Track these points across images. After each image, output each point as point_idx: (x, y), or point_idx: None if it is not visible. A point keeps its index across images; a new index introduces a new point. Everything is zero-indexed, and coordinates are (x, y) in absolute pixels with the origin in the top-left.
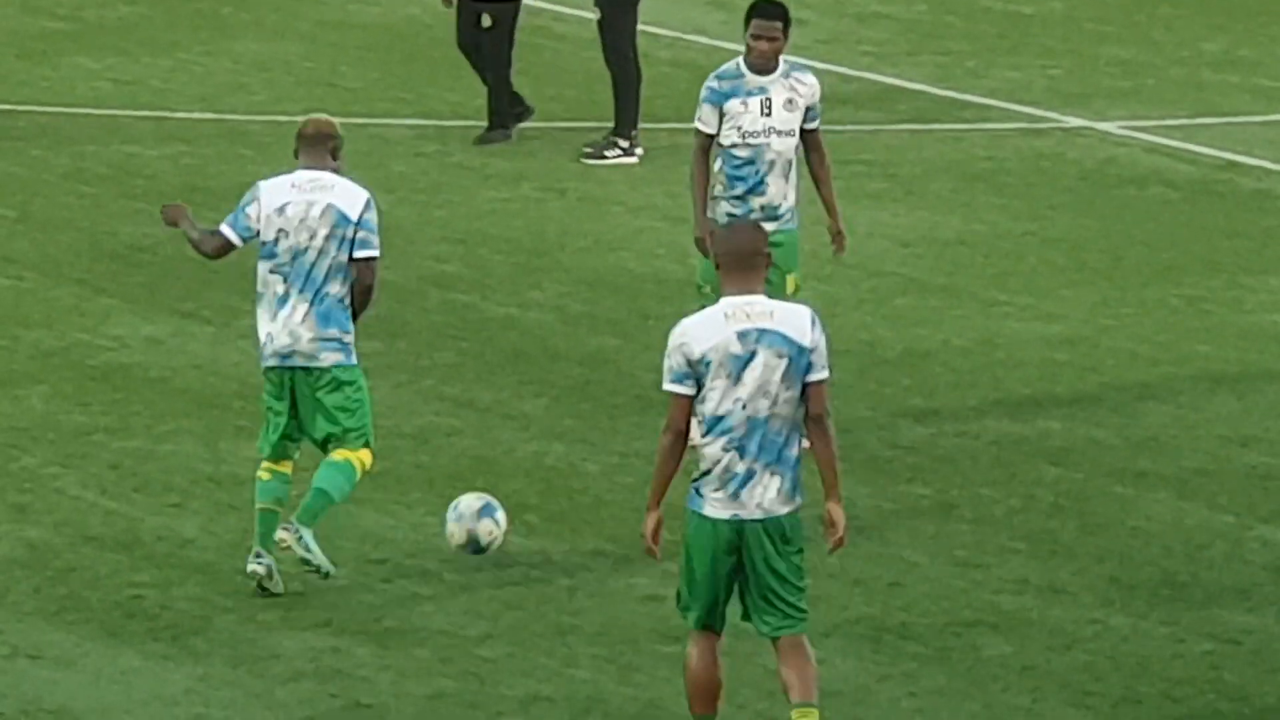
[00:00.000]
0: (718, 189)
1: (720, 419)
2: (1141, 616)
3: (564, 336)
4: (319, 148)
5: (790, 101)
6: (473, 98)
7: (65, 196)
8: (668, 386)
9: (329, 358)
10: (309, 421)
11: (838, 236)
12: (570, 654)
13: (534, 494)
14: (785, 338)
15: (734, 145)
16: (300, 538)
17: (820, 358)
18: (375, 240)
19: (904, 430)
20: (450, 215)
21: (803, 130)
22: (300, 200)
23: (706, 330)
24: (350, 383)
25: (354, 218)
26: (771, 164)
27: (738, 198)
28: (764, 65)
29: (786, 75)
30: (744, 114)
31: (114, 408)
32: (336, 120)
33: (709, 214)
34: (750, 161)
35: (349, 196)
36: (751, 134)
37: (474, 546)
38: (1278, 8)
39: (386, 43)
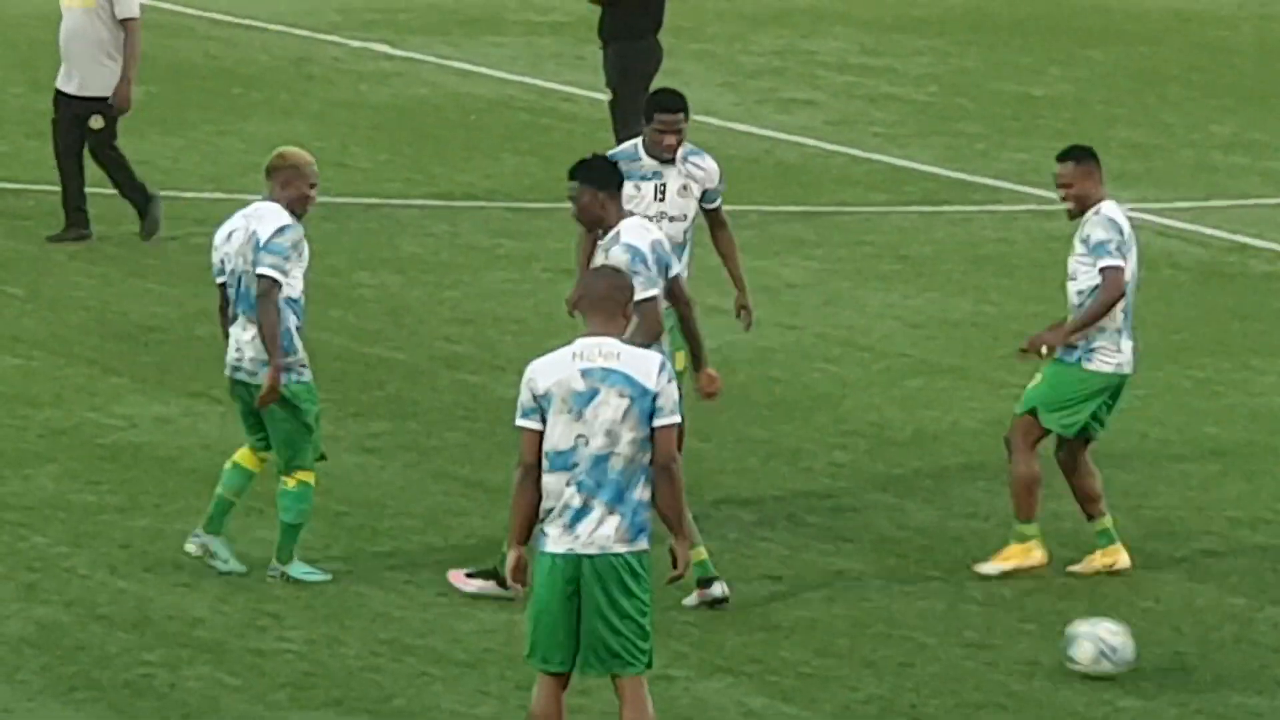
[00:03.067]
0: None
1: (562, 453)
2: (1151, 698)
3: None
4: (269, 179)
5: (685, 187)
6: (483, 178)
7: (75, 276)
8: (517, 422)
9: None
10: (259, 427)
11: (743, 311)
12: None
13: None
14: (629, 379)
15: None
16: (288, 576)
17: (667, 402)
18: (270, 261)
19: (913, 512)
20: (461, 296)
21: (705, 210)
22: (240, 226)
23: (553, 367)
24: (284, 402)
25: (262, 241)
26: None
27: None
28: (664, 156)
29: (684, 160)
30: (636, 197)
31: (124, 487)
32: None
33: None
34: None
35: (265, 223)
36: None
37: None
38: None
39: (396, 123)
